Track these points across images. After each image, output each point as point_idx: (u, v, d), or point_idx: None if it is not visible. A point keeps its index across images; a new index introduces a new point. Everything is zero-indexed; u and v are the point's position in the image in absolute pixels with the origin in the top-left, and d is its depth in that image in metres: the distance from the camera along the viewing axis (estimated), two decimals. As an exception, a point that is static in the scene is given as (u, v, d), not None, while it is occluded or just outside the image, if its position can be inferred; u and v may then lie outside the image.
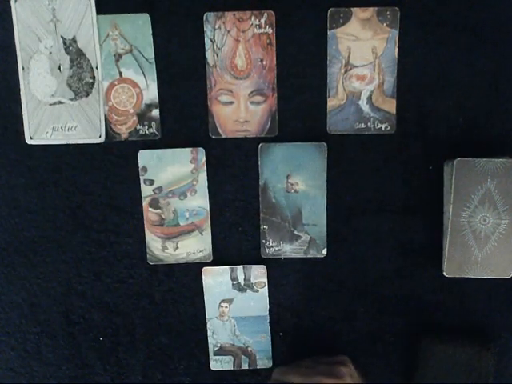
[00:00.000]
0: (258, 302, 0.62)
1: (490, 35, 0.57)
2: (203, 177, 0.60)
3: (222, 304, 0.62)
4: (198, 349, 0.63)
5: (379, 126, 0.59)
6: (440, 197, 0.59)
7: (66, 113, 0.59)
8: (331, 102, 0.59)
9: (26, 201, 0.61)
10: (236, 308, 0.62)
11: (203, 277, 0.62)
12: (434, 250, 0.60)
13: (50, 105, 0.59)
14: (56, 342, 0.63)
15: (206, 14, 0.57)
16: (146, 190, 0.60)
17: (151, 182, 0.60)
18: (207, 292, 0.62)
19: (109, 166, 0.60)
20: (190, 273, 0.62)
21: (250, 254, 0.62)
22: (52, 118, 0.59)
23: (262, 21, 0.57)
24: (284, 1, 0.57)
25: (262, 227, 0.61)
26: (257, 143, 0.59)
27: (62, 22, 0.57)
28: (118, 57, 0.58)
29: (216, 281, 0.62)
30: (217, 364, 0.63)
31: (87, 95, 0.59)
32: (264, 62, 0.58)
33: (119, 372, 0.64)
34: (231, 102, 0.59)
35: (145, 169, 0.60)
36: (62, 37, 0.57)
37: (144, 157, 0.60)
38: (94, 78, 0.58)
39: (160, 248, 0.61)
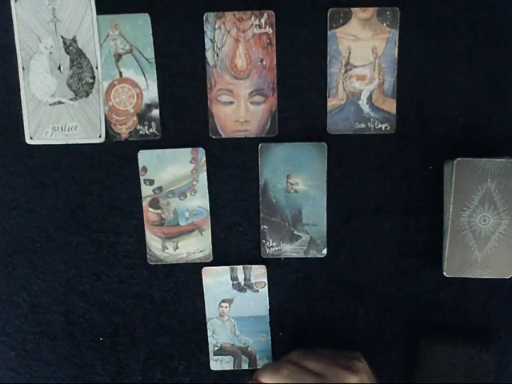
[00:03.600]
0: (257, 302, 0.62)
1: (490, 35, 0.57)
2: (203, 177, 0.60)
3: (222, 304, 0.62)
4: (198, 349, 0.63)
5: (379, 126, 0.59)
6: (440, 197, 0.59)
7: (66, 113, 0.59)
8: (331, 102, 0.59)
9: (25, 201, 0.61)
10: (236, 308, 0.62)
11: (203, 277, 0.62)
12: (434, 250, 0.60)
13: (50, 105, 0.59)
14: (56, 342, 0.63)
15: (206, 14, 0.57)
16: (146, 190, 0.60)
17: (151, 182, 0.60)
18: (207, 292, 0.62)
19: (109, 166, 0.60)
20: (190, 273, 0.62)
21: (250, 254, 0.62)
22: (52, 118, 0.59)
23: (262, 21, 0.57)
24: (284, 1, 0.57)
25: (261, 227, 0.61)
26: (257, 143, 0.59)
27: (62, 22, 0.57)
28: (118, 57, 0.58)
29: (216, 281, 0.62)
30: (217, 364, 0.63)
31: (87, 95, 0.59)
32: (264, 62, 0.58)
33: (119, 372, 0.64)
34: (231, 102, 0.59)
35: (145, 169, 0.60)
36: (62, 37, 0.58)
37: (144, 157, 0.60)
38: (94, 77, 0.58)
39: (160, 248, 0.61)
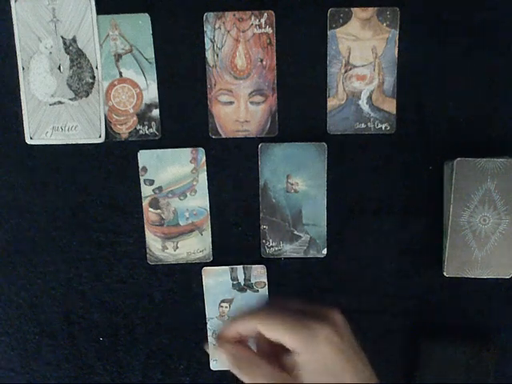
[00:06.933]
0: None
1: (489, 35, 0.57)
2: (203, 177, 0.60)
3: (222, 304, 0.62)
4: (198, 349, 0.63)
5: (379, 126, 0.59)
6: (440, 197, 0.59)
7: (65, 113, 0.59)
8: (331, 102, 0.59)
9: (25, 201, 0.61)
10: (236, 308, 0.62)
11: (203, 277, 0.62)
12: (434, 250, 0.60)
13: (50, 105, 0.59)
14: (56, 341, 0.63)
15: (205, 14, 0.57)
16: (146, 190, 0.60)
17: (151, 182, 0.60)
18: (207, 292, 0.62)
19: (109, 166, 0.60)
20: (190, 273, 0.62)
21: (250, 254, 0.62)
22: (52, 118, 0.59)
23: (262, 21, 0.57)
24: (284, 1, 0.57)
25: (262, 227, 0.61)
26: (257, 143, 0.59)
27: (62, 22, 0.57)
28: (118, 57, 0.58)
29: (216, 281, 0.62)
30: (217, 364, 0.63)
31: (87, 95, 0.59)
32: (264, 62, 0.58)
33: (119, 372, 0.64)
34: (231, 102, 0.59)
35: (145, 169, 0.60)
36: (61, 37, 0.58)
37: (144, 157, 0.60)
38: (94, 77, 0.58)
39: (160, 248, 0.61)
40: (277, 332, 0.43)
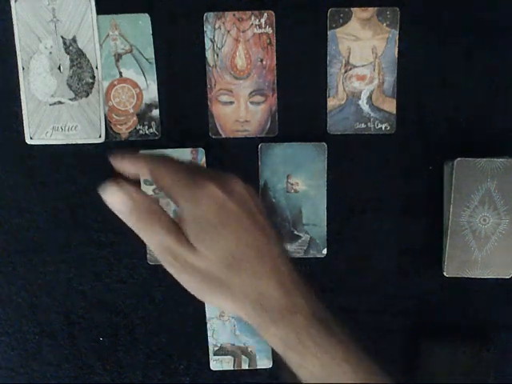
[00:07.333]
0: (258, 302, 0.62)
1: (489, 35, 0.57)
2: (203, 177, 0.60)
3: (222, 304, 0.62)
4: (198, 349, 0.63)
5: (379, 126, 0.59)
6: (440, 197, 0.59)
7: (66, 113, 0.59)
8: (331, 102, 0.59)
9: (25, 201, 0.61)
10: None
11: (203, 277, 0.61)
12: (434, 250, 0.60)
13: (50, 105, 0.59)
14: (56, 341, 0.63)
15: (205, 14, 0.57)
16: (146, 190, 0.60)
17: (151, 182, 0.60)
18: (207, 292, 0.62)
19: (109, 166, 0.60)
20: (190, 273, 0.62)
21: (250, 254, 0.61)
22: (52, 118, 0.59)
23: (262, 21, 0.57)
24: (284, 1, 0.57)
25: (262, 227, 0.61)
26: (257, 143, 0.59)
27: (62, 22, 0.57)
28: (118, 57, 0.58)
29: (216, 281, 0.61)
30: (217, 364, 0.63)
31: (87, 95, 0.59)
32: (264, 62, 0.58)
33: (119, 372, 0.64)
34: (231, 102, 0.59)
35: (145, 169, 0.60)
36: (61, 37, 0.58)
37: (144, 157, 0.60)
38: (94, 77, 0.58)
39: (160, 248, 0.61)
40: (164, 181, 0.40)
